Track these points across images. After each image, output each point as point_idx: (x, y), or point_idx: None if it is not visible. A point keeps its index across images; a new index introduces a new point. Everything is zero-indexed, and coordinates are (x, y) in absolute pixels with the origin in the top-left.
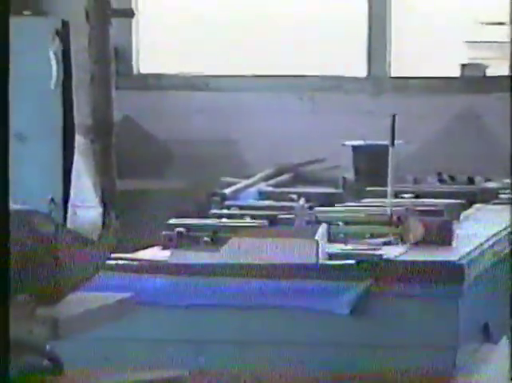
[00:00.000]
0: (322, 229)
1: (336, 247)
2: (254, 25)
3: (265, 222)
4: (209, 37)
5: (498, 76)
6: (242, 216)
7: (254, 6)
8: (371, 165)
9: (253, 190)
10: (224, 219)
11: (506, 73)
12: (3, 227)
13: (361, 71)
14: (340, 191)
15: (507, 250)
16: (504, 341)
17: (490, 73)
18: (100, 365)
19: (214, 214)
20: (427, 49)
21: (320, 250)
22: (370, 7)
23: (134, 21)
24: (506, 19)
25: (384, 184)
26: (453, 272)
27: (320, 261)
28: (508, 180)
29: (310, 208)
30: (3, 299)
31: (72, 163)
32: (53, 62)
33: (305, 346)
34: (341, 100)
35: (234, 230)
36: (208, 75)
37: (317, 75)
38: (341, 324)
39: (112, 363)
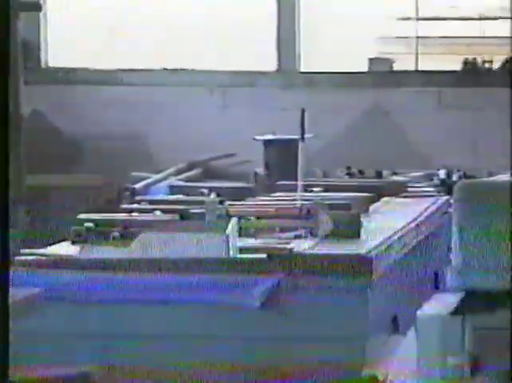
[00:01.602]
0: (233, 223)
1: (247, 241)
2: (168, 21)
3: (176, 216)
4: (122, 31)
5: (405, 70)
6: (152, 211)
7: (166, 2)
8: (281, 159)
9: (163, 184)
10: (134, 214)
11: (413, 67)
12: (3, 227)
13: (272, 66)
14: (251, 185)
15: (415, 243)
16: (411, 332)
17: (397, 67)
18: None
19: (125, 208)
20: (337, 44)
21: (230, 245)
22: (279, 3)
23: (42, 14)
24: (413, 14)
25: (295, 178)
26: (362, 265)
27: (231, 255)
28: (415, 173)
29: (221, 203)
30: (3, 299)
31: None
32: None
33: (215, 340)
34: (252, 94)
35: (145, 224)
36: (119, 69)
37: (228, 70)
38: (252, 317)
39: (23, 358)
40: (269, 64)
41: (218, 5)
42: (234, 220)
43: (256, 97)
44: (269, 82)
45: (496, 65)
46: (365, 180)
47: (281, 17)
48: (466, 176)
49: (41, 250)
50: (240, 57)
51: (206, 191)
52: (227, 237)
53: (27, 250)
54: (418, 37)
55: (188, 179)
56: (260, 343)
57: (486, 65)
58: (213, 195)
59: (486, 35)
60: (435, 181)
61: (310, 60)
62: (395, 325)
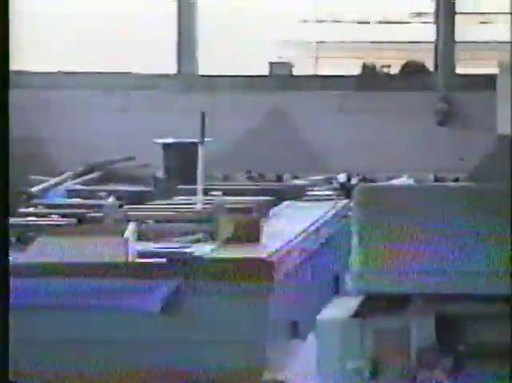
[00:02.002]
0: (132, 227)
1: (147, 245)
2: (65, 23)
3: (74, 220)
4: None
5: (305, 74)
6: (49, 215)
7: (66, 3)
8: (181, 163)
9: (61, 188)
10: (31, 218)
11: (312, 71)
12: (3, 227)
13: (172, 69)
14: (150, 189)
15: (316, 247)
16: (311, 337)
17: (297, 71)
18: None
19: (21, 213)
20: (239, 47)
21: (129, 249)
22: (179, 7)
23: None
24: (313, 18)
25: (195, 182)
26: (262, 269)
27: (130, 259)
28: (315, 177)
29: (120, 206)
30: (3, 300)
31: None
32: None
33: (114, 344)
34: (153, 97)
35: (42, 229)
36: (14, 71)
37: (129, 72)
38: (152, 322)
39: None
40: (170, 67)
41: (122, 9)
42: (132, 224)
43: (156, 100)
44: (170, 85)
45: (394, 70)
46: (266, 184)
47: (181, 20)
48: (365, 180)
49: None
50: (140, 60)
51: (104, 194)
52: (126, 241)
53: None
54: (318, 42)
55: (87, 183)
56: (160, 347)
57: (385, 70)
58: (112, 199)
59: (385, 40)
60: (335, 185)
61: (210, 63)
62: (296, 329)
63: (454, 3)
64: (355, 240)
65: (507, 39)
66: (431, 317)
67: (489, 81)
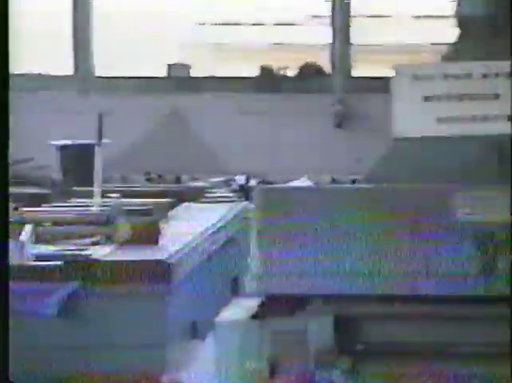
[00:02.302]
0: (28, 230)
1: (44, 248)
2: None
3: None
4: None
5: (203, 76)
6: None
7: None
8: (78, 165)
9: None
10: None
11: (211, 73)
12: (3, 227)
13: (69, 69)
14: (47, 191)
15: (215, 248)
16: (210, 338)
17: (195, 73)
18: None
19: None
20: (136, 48)
21: (25, 251)
22: (74, 8)
23: None
24: (210, 20)
25: (92, 184)
26: (160, 271)
27: (26, 262)
28: (214, 179)
29: (16, 209)
30: (3, 301)
31: None
32: None
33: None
34: (48, 98)
35: None
36: None
37: (23, 73)
38: (48, 325)
39: None
40: (66, 67)
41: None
42: (29, 226)
43: (52, 101)
44: (66, 86)
45: (292, 72)
46: (164, 185)
47: (76, 20)
48: (264, 182)
49: None
50: (36, 59)
51: None
52: (22, 244)
53: None
54: (216, 44)
55: None
56: (57, 352)
57: (283, 72)
58: None
59: (283, 42)
60: (234, 186)
61: (106, 64)
62: (195, 330)
63: (349, 6)
64: (254, 241)
65: (402, 42)
66: (330, 317)
67: (384, 84)
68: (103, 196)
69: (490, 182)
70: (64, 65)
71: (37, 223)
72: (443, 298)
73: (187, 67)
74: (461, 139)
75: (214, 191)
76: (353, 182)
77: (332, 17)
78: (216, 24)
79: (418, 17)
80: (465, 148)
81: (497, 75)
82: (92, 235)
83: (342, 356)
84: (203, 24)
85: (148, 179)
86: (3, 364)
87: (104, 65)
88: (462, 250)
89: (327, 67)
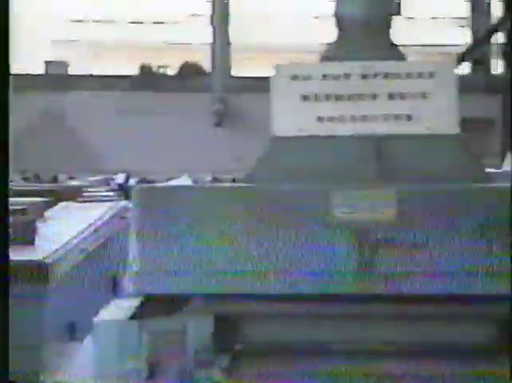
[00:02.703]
0: None
1: None
2: None
3: None
4: None
5: (81, 74)
6: None
7: None
8: None
9: None
10: None
11: (90, 71)
12: (3, 227)
13: None
14: None
15: (94, 248)
16: (88, 339)
17: (73, 71)
18: None
19: None
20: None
21: None
22: None
23: None
24: (90, 17)
25: None
26: (37, 271)
27: None
28: (92, 178)
29: None
30: (3, 301)
31: None
32: None
33: None
34: None
35: None
36: None
37: None
38: None
39: None
40: None
41: None
42: None
43: None
44: None
45: (172, 71)
46: (41, 185)
47: None
48: (143, 181)
49: None
50: None
51: None
52: None
53: None
54: (95, 42)
55: None
56: None
57: (162, 70)
58: None
59: (163, 41)
60: (113, 185)
61: None
62: (73, 331)
63: (228, 6)
64: (133, 241)
65: (283, 41)
66: (209, 317)
67: (264, 83)
68: None
69: (368, 181)
70: None
71: None
72: (320, 297)
73: (64, 64)
74: (340, 138)
75: (92, 190)
76: (233, 180)
77: (212, 16)
78: (95, 21)
79: (300, 16)
80: (344, 148)
81: (375, 75)
82: None
83: (221, 355)
84: (81, 21)
85: (24, 179)
86: (3, 364)
87: None
88: (339, 248)
89: (207, 66)
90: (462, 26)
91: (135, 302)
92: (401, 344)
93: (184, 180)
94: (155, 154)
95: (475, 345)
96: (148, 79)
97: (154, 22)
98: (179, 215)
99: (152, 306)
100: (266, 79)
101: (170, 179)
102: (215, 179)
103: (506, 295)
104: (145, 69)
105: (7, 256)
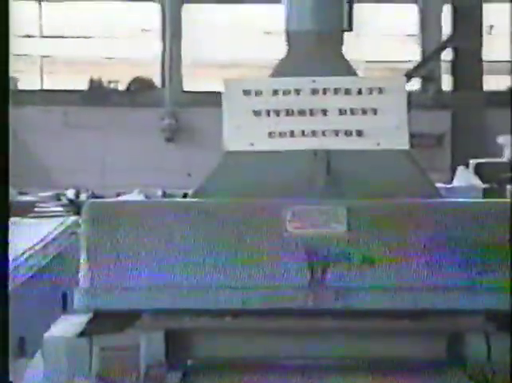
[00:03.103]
0: None
1: None
2: None
3: None
4: None
5: (30, 89)
6: None
7: None
8: None
9: None
10: None
11: (38, 86)
12: (3, 227)
13: None
14: None
15: (44, 263)
16: (39, 355)
17: (22, 86)
18: None
19: None
20: None
21: None
22: None
23: None
24: (37, 33)
25: None
26: None
27: None
28: (43, 193)
29: None
30: (3, 301)
31: None
32: None
33: None
34: None
35: None
36: None
37: None
38: None
39: None
40: None
41: None
42: None
43: None
44: None
45: (122, 86)
46: None
47: None
48: (94, 196)
49: None
50: None
51: None
52: None
53: None
54: (43, 56)
55: None
56: None
57: (113, 85)
58: None
59: (113, 56)
60: (64, 201)
61: None
62: (23, 347)
63: (180, 21)
64: (83, 256)
65: (234, 57)
66: (160, 332)
67: (216, 98)
68: None
69: (319, 196)
70: None
71: None
72: (270, 311)
73: (14, 80)
74: (291, 153)
75: (43, 205)
76: (184, 195)
77: (163, 31)
78: (44, 37)
79: (251, 32)
80: (294, 163)
81: (326, 91)
82: None
83: (173, 371)
84: (30, 37)
85: None
86: (3, 364)
87: None
88: (290, 263)
89: (158, 81)
90: (413, 43)
91: (85, 318)
92: (351, 359)
93: (135, 195)
94: (105, 169)
95: (424, 360)
96: (98, 94)
97: (105, 37)
98: (128, 231)
99: (103, 321)
100: (218, 94)
101: (120, 194)
102: (166, 194)
103: (454, 310)
104: (95, 84)
105: (7, 254)
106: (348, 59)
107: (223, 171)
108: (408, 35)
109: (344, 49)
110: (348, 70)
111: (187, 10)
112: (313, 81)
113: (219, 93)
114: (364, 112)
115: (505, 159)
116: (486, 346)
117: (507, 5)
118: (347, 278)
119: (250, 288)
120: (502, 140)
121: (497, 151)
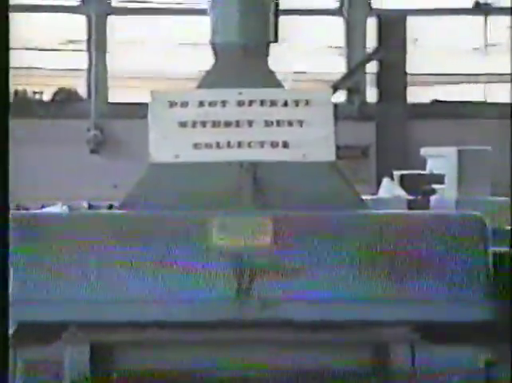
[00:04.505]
0: None
1: None
2: None
3: None
4: None
5: None
6: None
7: None
8: None
9: None
10: None
11: None
12: (3, 227)
13: None
14: None
15: None
16: None
17: None
18: None
19: None
20: None
21: None
22: None
23: None
24: None
25: None
26: None
27: None
28: None
29: None
30: (3, 299)
31: None
32: None
33: None
34: None
35: None
36: None
37: None
38: None
39: None
40: None
41: None
42: None
43: None
44: None
45: (47, 97)
46: None
47: None
48: (18, 208)
49: None
50: None
51: None
52: None
53: None
54: None
55: None
56: None
57: (37, 96)
58: None
59: (38, 66)
60: None
61: None
62: None
63: (106, 31)
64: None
65: (160, 69)
66: (85, 345)
67: (141, 109)
68: None
69: (245, 207)
70: None
71: None
72: (197, 323)
73: None
74: (217, 165)
75: None
76: (110, 207)
77: (89, 42)
78: None
79: (180, 44)
80: (221, 174)
81: (252, 102)
82: None
83: None
84: None
85: None
86: (3, 363)
87: None
88: (217, 275)
89: (83, 92)
90: (339, 55)
91: (9, 330)
92: (276, 370)
93: (59, 208)
94: (29, 181)
95: (349, 371)
96: (22, 105)
97: (28, 48)
98: (51, 243)
99: (27, 334)
100: (144, 105)
101: (44, 206)
102: (91, 207)
103: (379, 321)
104: (19, 95)
105: (7, 254)
106: (275, 71)
107: (149, 182)
108: (335, 47)
109: (271, 61)
110: (275, 82)
111: (114, 22)
112: (240, 93)
113: (145, 105)
114: (291, 123)
115: (428, 171)
116: (410, 356)
117: (431, 19)
118: (273, 289)
119: (176, 300)
120: (424, 151)
121: (420, 163)
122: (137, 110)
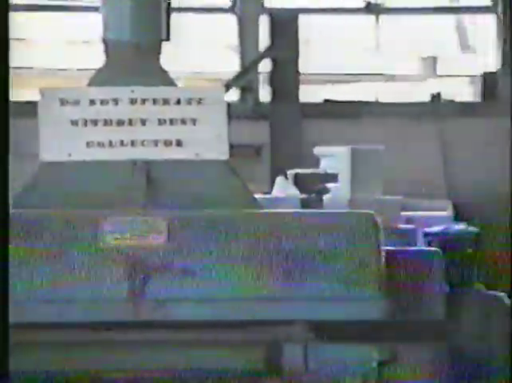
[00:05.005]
0: None
1: None
2: None
3: None
4: None
5: None
6: None
7: None
8: None
9: None
10: None
11: None
12: (3, 227)
13: None
14: None
15: None
16: None
17: None
18: None
19: None
20: None
21: None
22: None
23: None
24: None
25: None
26: None
27: None
28: None
29: None
30: (3, 300)
31: None
32: None
33: None
34: None
35: None
36: None
37: None
38: None
39: None
40: None
41: None
42: None
43: None
44: None
45: None
46: None
47: None
48: None
49: None
50: None
51: None
52: None
53: None
54: None
55: None
56: None
57: None
58: None
59: None
60: None
61: None
62: None
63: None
64: None
65: (51, 66)
66: None
67: (30, 108)
68: None
69: (139, 207)
70: None
71: None
72: (91, 324)
73: None
74: (110, 163)
75: None
76: None
77: None
78: None
79: (68, 41)
80: (113, 173)
81: (144, 101)
82: None
83: None
84: None
85: None
86: (3, 363)
87: None
88: (110, 275)
89: None
90: (233, 53)
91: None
92: (171, 369)
93: None
94: None
95: (243, 370)
96: None
97: None
98: None
99: None
100: (34, 103)
101: None
102: None
103: (273, 320)
104: None
105: (7, 252)
106: (167, 69)
107: (40, 182)
108: (228, 46)
109: (163, 60)
110: (167, 80)
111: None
112: (132, 91)
113: (35, 103)
114: (184, 122)
115: (321, 170)
116: (302, 355)
117: (324, 18)
118: (167, 290)
119: (69, 301)
120: (317, 151)
121: (314, 162)
122: (26, 108)
